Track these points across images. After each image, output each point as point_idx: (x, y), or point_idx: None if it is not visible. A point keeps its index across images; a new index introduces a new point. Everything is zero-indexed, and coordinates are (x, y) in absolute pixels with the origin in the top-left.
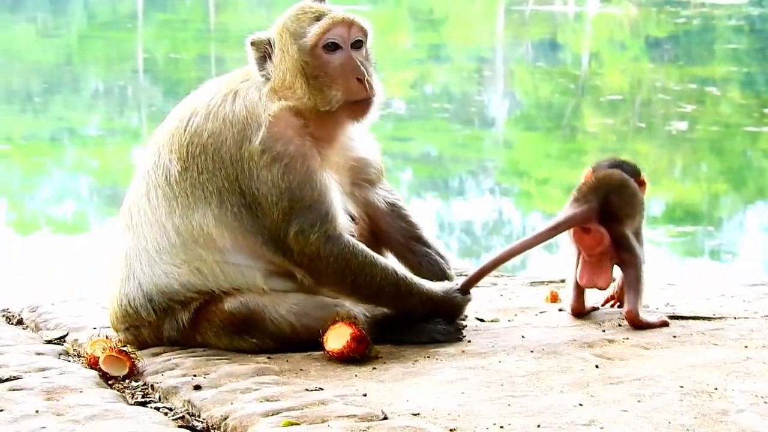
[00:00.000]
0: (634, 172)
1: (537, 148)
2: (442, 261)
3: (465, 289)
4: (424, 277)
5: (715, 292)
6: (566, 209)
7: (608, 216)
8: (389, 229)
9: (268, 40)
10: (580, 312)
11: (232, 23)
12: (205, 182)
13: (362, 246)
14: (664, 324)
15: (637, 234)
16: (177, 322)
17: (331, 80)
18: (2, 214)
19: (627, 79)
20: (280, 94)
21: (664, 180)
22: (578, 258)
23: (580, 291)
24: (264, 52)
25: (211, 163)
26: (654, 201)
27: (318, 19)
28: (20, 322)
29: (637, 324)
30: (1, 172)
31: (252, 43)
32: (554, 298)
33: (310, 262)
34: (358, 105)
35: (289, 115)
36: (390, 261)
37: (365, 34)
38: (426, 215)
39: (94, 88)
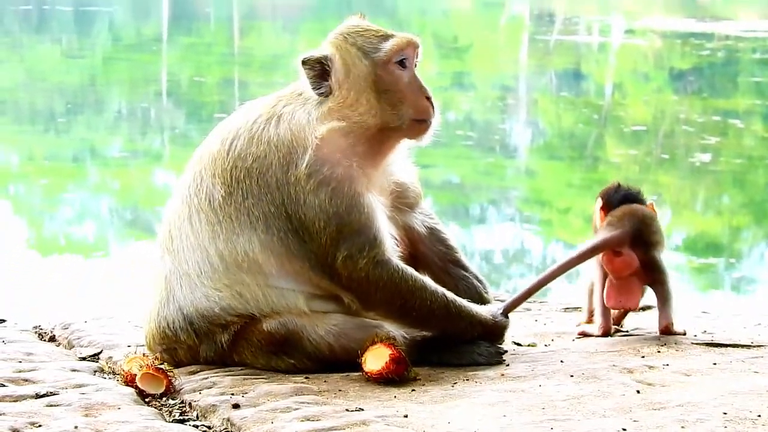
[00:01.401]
0: (639, 195)
1: (559, 178)
2: (480, 285)
3: (507, 311)
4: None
5: (751, 320)
6: (601, 233)
7: (639, 241)
8: (427, 252)
9: (325, 57)
10: (609, 331)
11: (256, 48)
12: (250, 207)
13: (411, 270)
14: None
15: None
16: (215, 344)
17: (402, 96)
18: (23, 233)
19: (650, 110)
20: (338, 113)
21: (686, 212)
22: (604, 281)
23: (606, 311)
24: (319, 70)
25: (256, 187)
26: (676, 232)
27: (386, 36)
28: (52, 339)
29: (672, 334)
30: (23, 192)
31: (305, 62)
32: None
33: (358, 287)
34: (422, 124)
35: (338, 136)
36: (438, 285)
37: (418, 58)
38: None
39: (118, 109)
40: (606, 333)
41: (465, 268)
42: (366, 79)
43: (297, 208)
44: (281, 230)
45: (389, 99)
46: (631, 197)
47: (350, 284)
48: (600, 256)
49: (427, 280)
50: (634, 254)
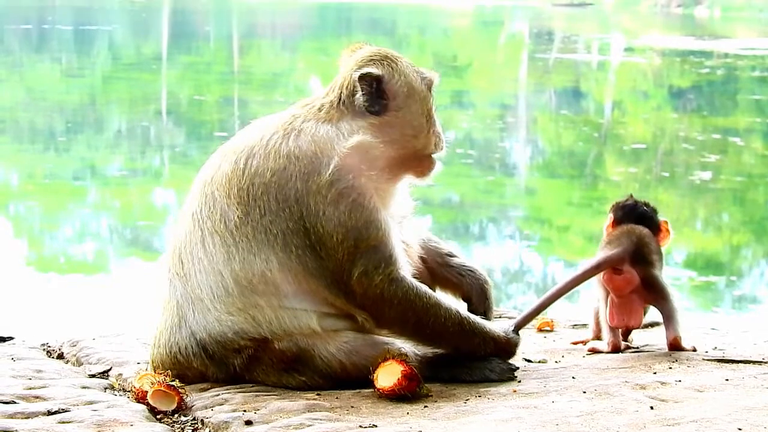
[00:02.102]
0: (654, 216)
1: (559, 196)
2: (477, 268)
3: (518, 328)
4: (466, 288)
5: (760, 337)
6: (601, 251)
7: (639, 259)
8: (428, 254)
9: (384, 75)
10: (618, 347)
11: (255, 66)
12: (268, 225)
13: (425, 287)
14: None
15: None
16: (228, 367)
17: (436, 124)
18: (23, 252)
19: (650, 128)
20: (377, 130)
21: (686, 230)
22: (606, 300)
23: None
24: (374, 87)
25: (274, 203)
26: (676, 250)
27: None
28: (61, 356)
29: (681, 350)
30: (23, 211)
31: (363, 78)
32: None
33: (372, 305)
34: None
35: (366, 150)
36: (452, 301)
37: None
38: None
39: (117, 128)
40: (616, 349)
41: (456, 255)
42: (425, 102)
43: (316, 221)
44: (299, 247)
45: (431, 125)
46: (643, 217)
47: (365, 302)
48: (601, 275)
49: (441, 298)
50: (634, 271)
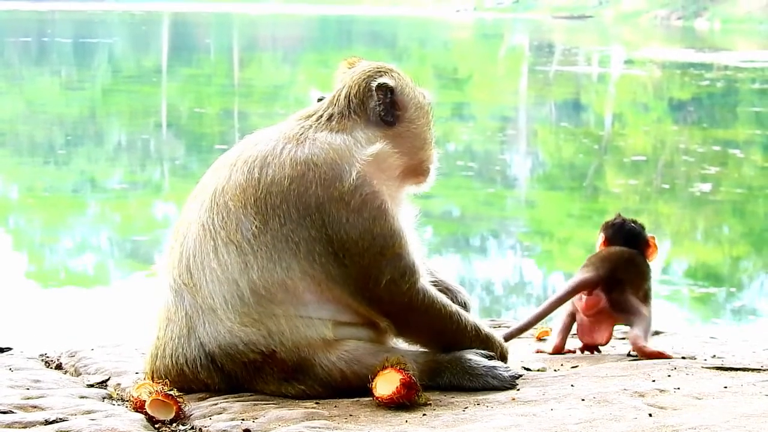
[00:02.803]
0: (642, 232)
1: (559, 208)
2: (461, 288)
3: (505, 341)
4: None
5: (759, 345)
6: (578, 273)
7: (612, 283)
8: None
9: (395, 87)
10: (560, 350)
11: (256, 79)
12: (288, 233)
13: (443, 295)
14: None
15: (646, 295)
16: (231, 379)
17: (433, 140)
18: (23, 265)
19: (650, 141)
20: (390, 142)
21: (686, 242)
22: (575, 315)
23: (564, 332)
24: (389, 98)
25: (294, 211)
26: (676, 262)
27: None
28: (59, 367)
29: (642, 348)
30: (23, 224)
31: (379, 88)
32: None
33: (399, 312)
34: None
35: (384, 158)
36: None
37: None
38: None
39: (117, 141)
40: (557, 351)
41: (440, 272)
42: (428, 116)
43: (339, 228)
44: (322, 255)
45: (431, 138)
46: (631, 234)
47: (391, 309)
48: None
49: (457, 306)
50: (603, 295)
